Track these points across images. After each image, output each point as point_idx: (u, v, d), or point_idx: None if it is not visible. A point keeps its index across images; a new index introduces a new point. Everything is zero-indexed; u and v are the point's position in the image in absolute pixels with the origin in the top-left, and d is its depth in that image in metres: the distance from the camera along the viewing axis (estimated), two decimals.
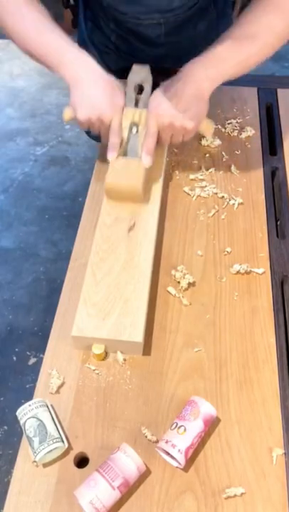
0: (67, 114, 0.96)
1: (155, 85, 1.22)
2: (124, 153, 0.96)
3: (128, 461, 0.67)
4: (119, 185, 0.93)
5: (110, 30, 1.18)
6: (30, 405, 0.72)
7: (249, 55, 0.90)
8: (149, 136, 0.92)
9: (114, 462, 0.67)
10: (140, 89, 1.01)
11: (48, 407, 0.73)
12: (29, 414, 0.72)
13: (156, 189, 0.98)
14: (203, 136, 1.12)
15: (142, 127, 0.96)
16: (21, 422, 0.72)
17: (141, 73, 1.02)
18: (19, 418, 0.73)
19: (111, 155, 0.94)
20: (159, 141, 0.94)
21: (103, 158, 1.10)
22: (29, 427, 0.71)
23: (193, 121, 0.91)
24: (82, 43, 1.28)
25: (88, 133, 1.53)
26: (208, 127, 0.98)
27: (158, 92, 0.93)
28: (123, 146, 0.95)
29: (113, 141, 0.93)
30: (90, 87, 0.90)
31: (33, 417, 0.71)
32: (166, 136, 0.94)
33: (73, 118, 0.95)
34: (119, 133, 0.93)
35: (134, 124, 0.96)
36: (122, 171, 0.92)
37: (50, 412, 0.73)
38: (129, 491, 0.68)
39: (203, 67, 0.90)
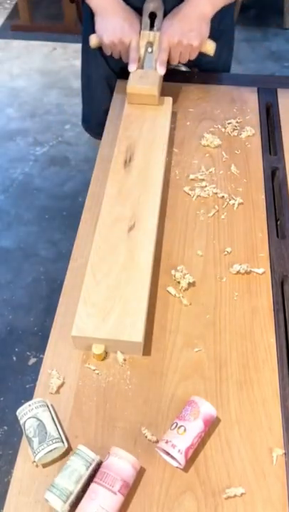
0: (94, 40, 1.18)
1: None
2: (141, 67, 1.17)
3: (122, 463, 0.66)
4: (139, 89, 1.12)
5: None
6: (30, 405, 0.72)
7: None
8: (162, 50, 1.13)
9: (109, 468, 0.66)
10: (153, 16, 1.18)
11: (48, 407, 0.73)
12: (29, 414, 0.72)
13: (156, 189, 0.98)
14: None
15: (156, 46, 1.16)
16: (21, 422, 0.72)
17: (154, 2, 1.19)
18: (19, 418, 0.73)
19: (132, 67, 1.15)
20: (169, 59, 1.15)
21: (103, 157, 1.10)
22: (29, 427, 0.70)
23: (198, 40, 1.11)
24: (86, 40, 1.28)
25: (89, 131, 1.53)
26: (210, 46, 1.16)
27: (168, 16, 1.14)
28: (140, 61, 1.16)
29: (133, 56, 1.14)
30: (112, 15, 1.13)
31: (33, 417, 0.71)
32: (175, 53, 1.14)
33: (99, 43, 1.17)
34: (137, 50, 1.15)
35: (149, 44, 1.16)
36: (142, 78, 1.14)
37: (50, 412, 0.73)
38: (130, 491, 0.68)
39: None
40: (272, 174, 1.09)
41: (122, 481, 0.65)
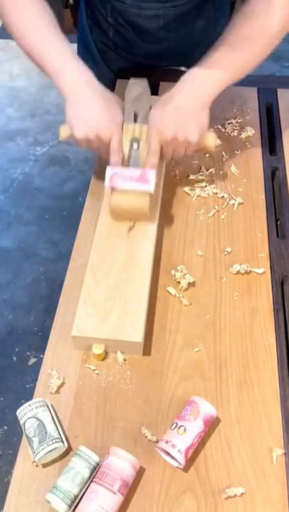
0: (64, 131, 0.92)
1: (155, 87, 1.23)
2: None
3: (121, 463, 0.66)
4: (124, 206, 0.89)
5: (108, 25, 1.18)
6: (30, 405, 0.72)
7: (247, 59, 0.89)
8: (152, 153, 0.89)
9: (108, 468, 0.66)
10: (137, 103, 0.97)
11: (48, 407, 0.73)
12: (29, 414, 0.72)
13: (157, 189, 0.98)
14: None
15: (144, 143, 0.92)
16: (21, 422, 0.72)
17: (138, 87, 0.98)
18: (19, 418, 0.73)
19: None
20: (161, 157, 0.91)
21: (103, 159, 1.10)
22: (29, 426, 0.70)
23: (197, 134, 0.88)
24: (83, 43, 1.28)
25: None
26: (211, 140, 0.94)
27: (158, 105, 0.90)
28: (124, 163, 0.90)
29: (114, 160, 0.89)
30: (87, 102, 0.87)
31: (33, 417, 0.71)
32: (168, 151, 0.92)
33: (70, 136, 0.91)
34: (119, 151, 0.89)
35: (134, 140, 0.92)
36: (127, 191, 0.88)
37: (50, 412, 0.73)
38: (130, 491, 0.68)
39: (202, 76, 0.89)
40: (272, 174, 1.09)
41: (122, 480, 0.65)
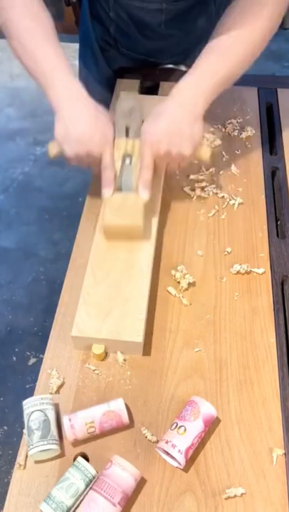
0: (53, 149, 0.89)
1: (155, 87, 1.23)
2: (118, 187, 0.89)
3: (124, 474, 0.65)
4: (118, 226, 0.86)
5: (110, 21, 1.18)
6: (42, 399, 0.72)
7: (238, 63, 0.88)
8: (145, 168, 0.86)
9: (111, 478, 0.65)
10: (128, 118, 0.94)
11: (54, 408, 0.73)
12: (38, 406, 0.71)
13: (157, 189, 0.98)
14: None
15: (136, 158, 0.89)
16: (26, 412, 0.71)
17: (129, 101, 0.95)
18: (25, 407, 0.72)
19: (106, 191, 0.88)
20: (154, 171, 0.89)
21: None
22: (34, 418, 0.70)
23: (190, 148, 0.86)
24: (84, 41, 1.28)
25: None
26: (205, 152, 0.92)
27: (150, 119, 0.87)
28: (117, 179, 0.89)
29: (107, 176, 0.87)
30: (77, 118, 0.84)
31: (41, 411, 0.71)
32: (161, 165, 0.90)
33: (59, 153, 0.88)
34: (112, 167, 0.87)
35: (127, 155, 0.90)
36: (120, 210, 0.86)
37: (54, 413, 0.73)
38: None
39: (193, 88, 0.87)
40: (272, 174, 1.09)
41: (123, 493, 0.65)
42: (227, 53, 0.87)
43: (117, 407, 0.71)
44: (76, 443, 0.72)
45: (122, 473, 0.66)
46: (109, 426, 0.71)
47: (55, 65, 0.86)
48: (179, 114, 0.86)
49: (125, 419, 0.71)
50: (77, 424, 0.70)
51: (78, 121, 0.84)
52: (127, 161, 0.90)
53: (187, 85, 0.88)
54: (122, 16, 1.14)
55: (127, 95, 1.01)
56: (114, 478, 0.65)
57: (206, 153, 0.93)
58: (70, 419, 0.70)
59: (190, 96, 0.87)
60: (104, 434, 0.72)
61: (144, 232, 0.88)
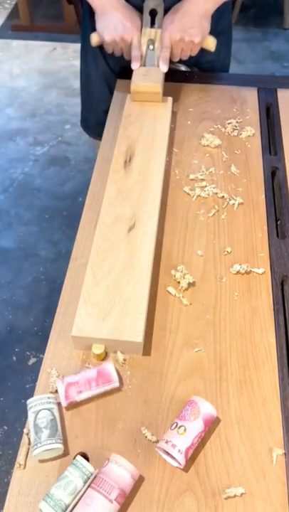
0: (95, 38, 1.18)
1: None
2: (143, 64, 1.17)
3: (121, 471, 0.66)
4: (143, 87, 1.14)
5: None
6: (48, 398, 0.72)
7: None
8: (164, 48, 1.14)
9: (107, 475, 0.66)
10: (154, 13, 1.18)
11: (57, 407, 0.73)
12: (46, 405, 0.71)
13: (156, 189, 0.98)
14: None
15: (158, 44, 1.16)
16: (32, 410, 0.71)
17: (155, 0, 1.18)
18: (31, 405, 0.72)
19: (135, 65, 1.15)
20: (171, 56, 1.15)
21: (103, 157, 1.10)
22: (42, 417, 0.70)
23: (199, 36, 1.12)
24: (86, 40, 1.28)
25: (87, 131, 1.53)
26: (211, 42, 1.16)
27: (169, 13, 1.14)
28: (143, 59, 1.17)
29: (135, 54, 1.15)
30: (113, 13, 1.12)
31: (48, 410, 0.71)
32: (177, 50, 1.15)
33: (100, 42, 1.17)
34: (139, 48, 1.15)
35: (151, 41, 1.16)
36: (145, 76, 1.15)
37: (58, 413, 0.73)
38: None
39: None
40: (272, 174, 1.09)
41: (120, 489, 0.65)
42: None
43: (106, 367, 0.75)
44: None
45: (119, 469, 0.66)
46: (100, 384, 0.74)
47: None
48: (192, 10, 1.11)
49: (115, 378, 0.75)
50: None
51: (114, 14, 1.13)
52: (151, 46, 1.17)
53: None
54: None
55: None
56: (111, 475, 0.65)
57: (212, 43, 1.17)
58: (62, 381, 0.74)
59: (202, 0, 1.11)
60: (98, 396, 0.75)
61: (161, 97, 1.16)
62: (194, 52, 1.16)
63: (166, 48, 1.13)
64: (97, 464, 0.69)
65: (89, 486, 0.66)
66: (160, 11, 1.19)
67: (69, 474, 0.66)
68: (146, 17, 1.18)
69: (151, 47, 1.17)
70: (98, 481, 0.65)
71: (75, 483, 0.66)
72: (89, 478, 0.67)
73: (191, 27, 1.11)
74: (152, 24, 1.18)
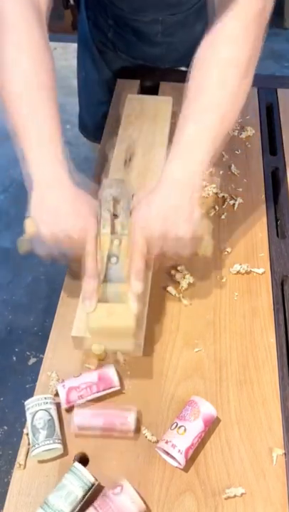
0: (31, 227, 0.74)
1: (155, 87, 1.23)
2: (105, 278, 0.75)
3: (130, 506, 0.64)
4: (109, 326, 0.73)
5: (108, 26, 1.18)
6: (45, 398, 0.72)
7: (223, 114, 0.76)
8: (137, 254, 0.71)
9: (116, 504, 0.63)
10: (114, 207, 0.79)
11: (56, 407, 0.73)
12: (43, 406, 0.71)
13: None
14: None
15: (123, 257, 0.75)
16: (30, 411, 0.71)
17: (116, 187, 0.80)
18: (28, 406, 0.72)
19: (89, 305, 0.73)
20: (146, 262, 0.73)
21: (103, 157, 1.10)
22: (39, 418, 0.70)
23: (190, 227, 0.72)
24: (83, 43, 1.28)
25: (86, 134, 1.52)
26: (207, 245, 0.78)
27: (141, 201, 0.75)
28: (103, 271, 0.75)
29: (90, 268, 0.72)
30: (56, 196, 0.72)
31: (46, 411, 0.71)
32: (154, 251, 0.74)
33: (33, 237, 0.75)
34: (95, 256, 0.72)
35: (112, 255, 0.76)
36: (111, 311, 0.73)
37: (57, 412, 0.73)
38: None
39: (184, 164, 0.74)
40: (272, 174, 1.09)
41: None
42: (209, 111, 0.76)
43: (107, 372, 0.75)
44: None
45: (130, 505, 0.64)
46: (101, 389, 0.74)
47: (43, 136, 0.80)
48: (172, 194, 0.73)
49: (116, 383, 0.74)
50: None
51: (58, 192, 0.73)
52: (114, 259, 0.76)
53: (177, 165, 0.74)
54: (120, 23, 1.14)
55: (113, 182, 0.83)
56: (120, 507, 0.63)
57: (208, 247, 0.79)
58: (63, 386, 0.74)
59: (182, 176, 0.74)
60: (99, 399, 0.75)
61: (135, 334, 0.76)
62: (184, 254, 0.76)
63: (140, 255, 0.71)
64: (97, 464, 0.69)
65: (92, 505, 0.64)
66: (125, 203, 0.78)
67: (68, 483, 0.65)
68: (105, 214, 0.77)
69: (114, 260, 0.75)
70: (104, 506, 0.63)
71: (76, 494, 0.64)
72: (90, 489, 0.66)
73: (176, 215, 0.71)
74: (114, 224, 0.77)
